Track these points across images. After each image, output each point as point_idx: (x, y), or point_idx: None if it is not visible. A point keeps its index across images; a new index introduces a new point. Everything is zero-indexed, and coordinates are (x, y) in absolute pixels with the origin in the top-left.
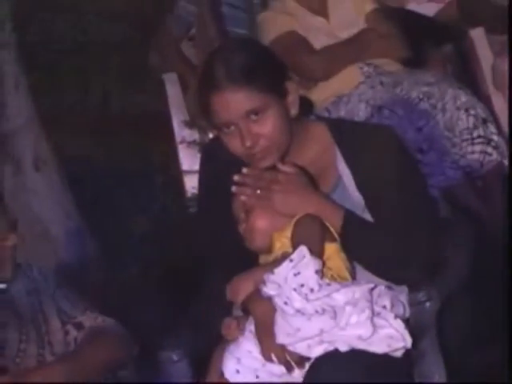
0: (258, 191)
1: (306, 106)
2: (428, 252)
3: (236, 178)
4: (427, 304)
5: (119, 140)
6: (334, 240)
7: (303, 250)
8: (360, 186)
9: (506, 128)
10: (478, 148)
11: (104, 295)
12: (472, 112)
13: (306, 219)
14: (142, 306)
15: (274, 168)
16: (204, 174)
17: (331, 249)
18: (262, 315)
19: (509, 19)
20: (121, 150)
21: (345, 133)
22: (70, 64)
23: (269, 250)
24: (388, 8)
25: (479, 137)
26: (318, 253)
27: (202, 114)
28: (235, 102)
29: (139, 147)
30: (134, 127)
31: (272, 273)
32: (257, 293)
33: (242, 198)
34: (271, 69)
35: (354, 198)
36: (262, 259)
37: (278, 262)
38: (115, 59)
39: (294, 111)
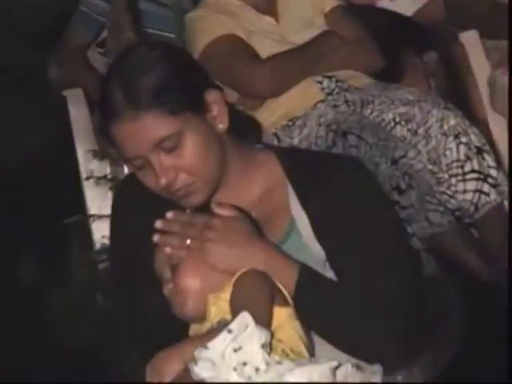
0: (188, 241)
1: (251, 129)
2: (407, 321)
3: (158, 224)
4: None
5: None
6: (285, 304)
7: (245, 317)
8: (319, 234)
9: (506, 159)
10: (471, 186)
11: None
12: (463, 139)
13: (248, 277)
14: None
15: (206, 210)
16: (118, 218)
17: (282, 315)
18: None
19: (509, 21)
20: (10, 189)
21: (299, 165)
22: None
23: (202, 317)
24: (354, 6)
25: (473, 171)
26: (264, 321)
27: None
28: (138, 133)
29: (32, 185)
30: (25, 160)
31: (205, 347)
32: (185, 374)
33: (167, 250)
34: (185, 81)
35: (312, 248)
36: (193, 330)
37: (213, 332)
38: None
39: (222, 125)
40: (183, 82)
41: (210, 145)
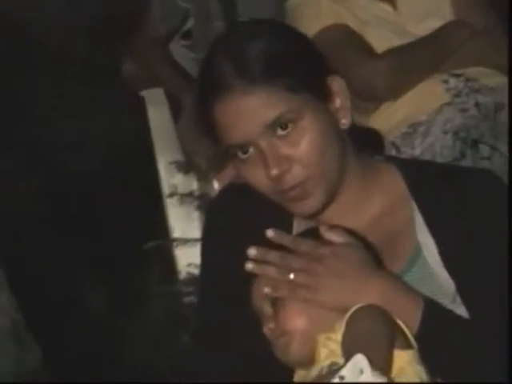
0: (292, 275)
1: (370, 139)
2: None
3: (252, 251)
4: None
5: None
6: (408, 346)
7: (360, 360)
8: (449, 262)
9: None
10: None
11: None
12: None
13: (364, 314)
14: None
15: (314, 234)
16: (210, 245)
17: (403, 359)
18: None
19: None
20: (80, 208)
21: (425, 181)
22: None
23: (309, 361)
24: None
25: None
26: (383, 365)
27: (203, 141)
28: (251, 109)
29: (105, 202)
30: (97, 174)
31: None
32: None
33: (266, 290)
34: (305, 58)
35: (440, 279)
36: (299, 376)
37: (322, 378)
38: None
39: (345, 120)
40: (304, 58)
41: (330, 137)
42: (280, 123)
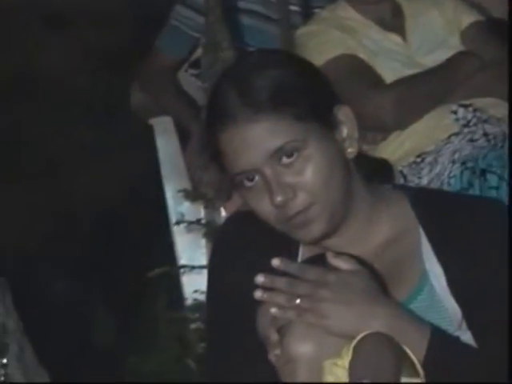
0: (298, 300)
1: (379, 168)
2: None
3: (260, 279)
4: None
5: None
6: (414, 374)
7: None
8: (456, 290)
9: None
10: None
11: None
12: None
13: (372, 341)
14: None
15: (320, 261)
16: (217, 273)
17: None
18: None
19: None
20: (88, 235)
21: (434, 209)
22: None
23: None
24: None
25: None
26: None
27: (209, 169)
28: (256, 138)
29: (113, 229)
30: (105, 200)
31: None
32: None
33: (273, 310)
34: (312, 88)
35: (447, 306)
36: None
37: None
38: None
39: (351, 150)
40: (310, 87)
41: (336, 166)
42: (285, 152)
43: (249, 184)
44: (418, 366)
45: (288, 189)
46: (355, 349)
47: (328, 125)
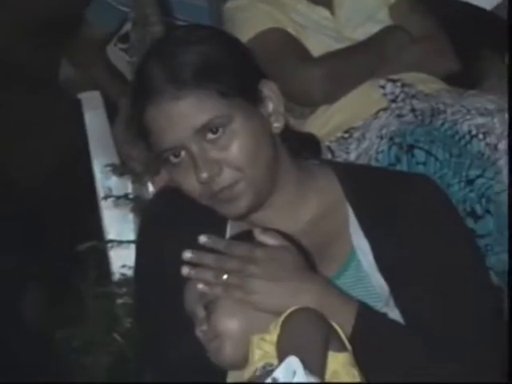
0: (225, 276)
1: (307, 143)
2: (489, 371)
3: (188, 255)
4: None
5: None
6: (342, 348)
7: (293, 362)
8: (383, 265)
9: None
10: None
11: None
12: None
13: (300, 316)
14: None
15: (247, 237)
16: (146, 247)
17: (338, 361)
18: None
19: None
20: (15, 209)
21: (361, 184)
22: None
23: (242, 363)
24: None
25: None
26: (317, 367)
27: (137, 144)
28: (180, 114)
29: (40, 204)
30: (33, 175)
31: None
32: None
33: (200, 286)
34: (237, 64)
35: (374, 282)
36: (232, 377)
37: (256, 379)
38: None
39: (277, 124)
40: (235, 63)
41: (262, 140)
42: (210, 128)
43: (175, 160)
44: (346, 341)
45: (214, 165)
46: (283, 324)
47: (253, 100)
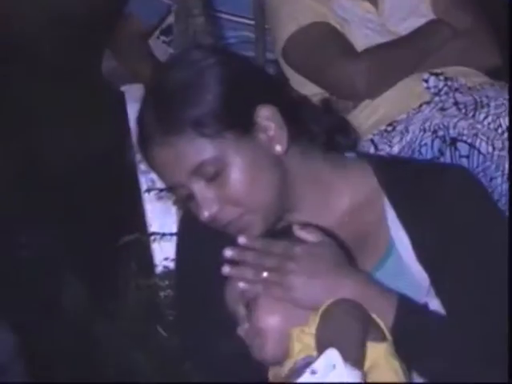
0: (265, 274)
1: (345, 136)
2: None
3: (228, 253)
4: None
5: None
6: (382, 338)
7: (332, 355)
8: (422, 257)
9: None
10: None
11: None
12: None
13: (339, 307)
14: None
15: (286, 233)
16: (186, 242)
17: (378, 352)
18: None
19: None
20: (59, 200)
21: (398, 177)
22: None
23: (284, 358)
24: None
25: None
26: (355, 358)
27: None
28: (173, 159)
29: (83, 196)
30: (77, 167)
31: None
32: None
33: (240, 284)
34: (228, 100)
35: (414, 273)
36: (274, 371)
37: (294, 373)
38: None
39: (279, 147)
40: (229, 100)
41: (259, 170)
42: (204, 168)
43: (182, 196)
44: (386, 331)
45: (213, 203)
46: (321, 315)
47: (248, 130)
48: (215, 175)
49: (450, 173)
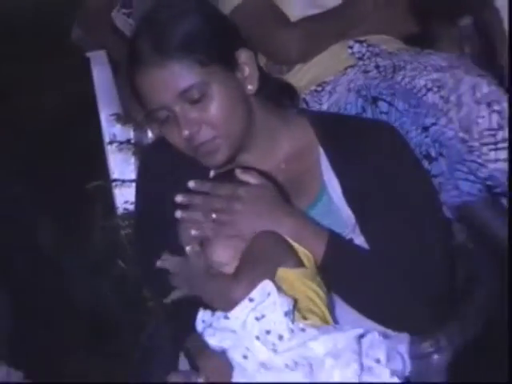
0: (214, 215)
1: (286, 93)
2: (438, 290)
3: (179, 198)
4: (434, 357)
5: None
6: (299, 265)
7: (267, 285)
8: (349, 198)
9: None
10: (503, 154)
11: None
12: (496, 107)
13: (260, 235)
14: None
15: (229, 176)
16: (143, 187)
17: (293, 276)
18: (213, 374)
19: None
20: (31, 152)
21: (331, 129)
22: None
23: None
24: None
25: (505, 140)
26: (264, 274)
27: (135, 101)
28: (164, 80)
29: (54, 148)
30: (48, 122)
31: (225, 317)
32: (206, 346)
33: (193, 233)
34: (218, 34)
35: (342, 213)
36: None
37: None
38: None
39: (251, 87)
40: (215, 35)
41: (236, 102)
42: (191, 92)
43: (162, 118)
44: (307, 259)
45: (194, 124)
46: (249, 245)
47: (230, 67)
48: (199, 99)
49: (378, 127)
